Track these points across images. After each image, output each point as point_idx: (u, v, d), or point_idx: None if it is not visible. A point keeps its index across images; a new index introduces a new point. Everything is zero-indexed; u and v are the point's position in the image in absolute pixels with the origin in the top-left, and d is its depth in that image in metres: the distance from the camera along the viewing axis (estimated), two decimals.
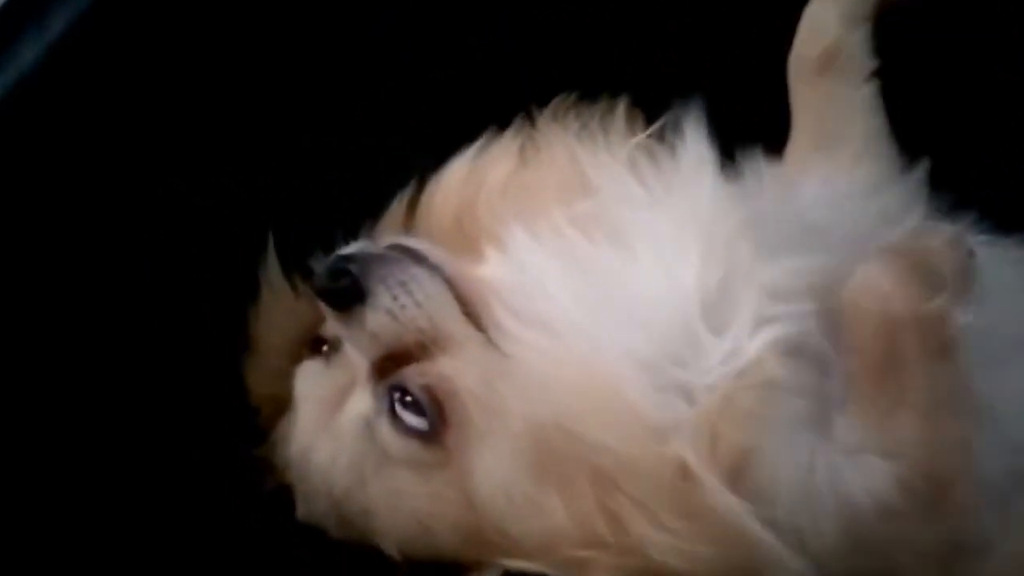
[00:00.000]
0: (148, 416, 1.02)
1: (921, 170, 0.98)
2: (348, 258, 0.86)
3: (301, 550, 0.91)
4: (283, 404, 0.94)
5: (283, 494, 0.93)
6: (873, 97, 1.04)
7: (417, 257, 0.87)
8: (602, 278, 0.86)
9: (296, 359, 0.95)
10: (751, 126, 0.96)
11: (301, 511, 0.92)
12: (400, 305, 0.85)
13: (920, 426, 0.80)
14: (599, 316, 0.83)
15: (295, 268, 0.99)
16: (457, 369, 0.84)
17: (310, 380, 0.92)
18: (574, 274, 0.86)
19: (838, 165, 1.02)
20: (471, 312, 0.86)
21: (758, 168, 0.96)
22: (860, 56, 1.04)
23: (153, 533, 1.00)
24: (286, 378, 0.94)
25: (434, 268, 0.87)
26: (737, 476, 0.78)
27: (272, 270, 1.00)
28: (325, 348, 0.93)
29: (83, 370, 1.02)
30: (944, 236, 0.84)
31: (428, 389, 0.84)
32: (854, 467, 0.80)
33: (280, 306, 1.00)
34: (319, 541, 0.91)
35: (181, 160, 1.07)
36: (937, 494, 0.79)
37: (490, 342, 0.85)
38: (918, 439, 0.80)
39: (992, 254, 0.92)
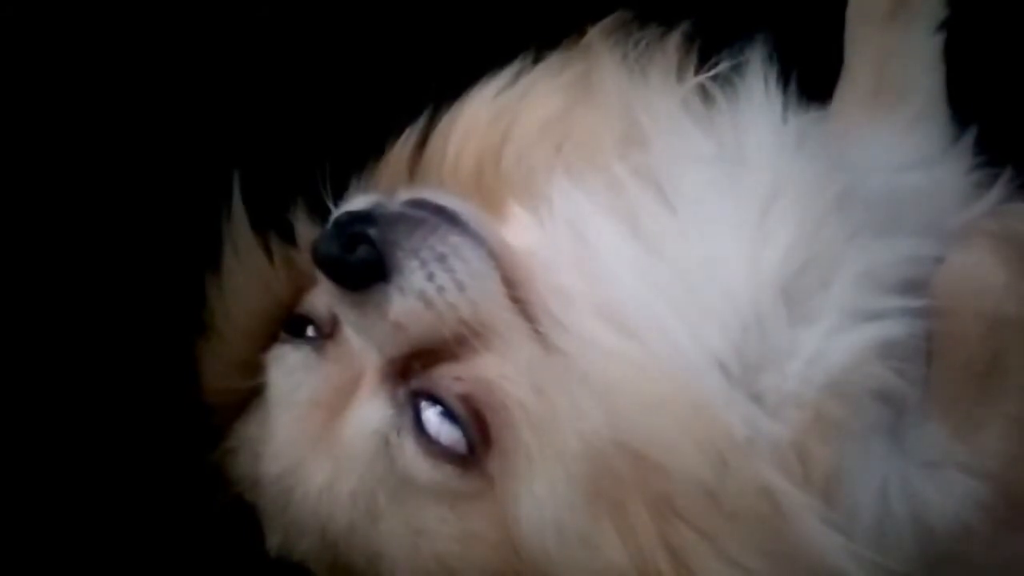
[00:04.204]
0: (78, 408, 0.89)
1: (970, 137, 0.90)
2: (363, 218, 0.72)
3: None
4: (243, 400, 0.83)
5: (239, 513, 0.82)
6: (940, 50, 0.96)
7: (453, 220, 0.73)
8: (670, 254, 0.74)
9: (265, 343, 0.82)
10: (804, 69, 0.85)
11: (275, 544, 0.81)
12: (437, 287, 0.71)
13: (1016, 441, 0.73)
14: (673, 305, 0.72)
15: (268, 224, 0.85)
16: (504, 373, 0.71)
17: (292, 375, 0.79)
18: (641, 248, 0.74)
19: (897, 124, 0.93)
20: (518, 297, 0.73)
21: (814, 120, 0.84)
22: (935, 1, 0.95)
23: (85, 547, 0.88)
24: (251, 368, 0.82)
25: (476, 236, 0.73)
26: (829, 503, 0.70)
27: (238, 226, 0.86)
28: (310, 331, 0.80)
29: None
30: None
31: (467, 399, 0.71)
32: (932, 483, 0.73)
33: (248, 274, 0.86)
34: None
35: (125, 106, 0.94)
36: (1016, 516, 0.73)
37: (541, 337, 0.72)
38: (1010, 456, 0.73)
39: None
